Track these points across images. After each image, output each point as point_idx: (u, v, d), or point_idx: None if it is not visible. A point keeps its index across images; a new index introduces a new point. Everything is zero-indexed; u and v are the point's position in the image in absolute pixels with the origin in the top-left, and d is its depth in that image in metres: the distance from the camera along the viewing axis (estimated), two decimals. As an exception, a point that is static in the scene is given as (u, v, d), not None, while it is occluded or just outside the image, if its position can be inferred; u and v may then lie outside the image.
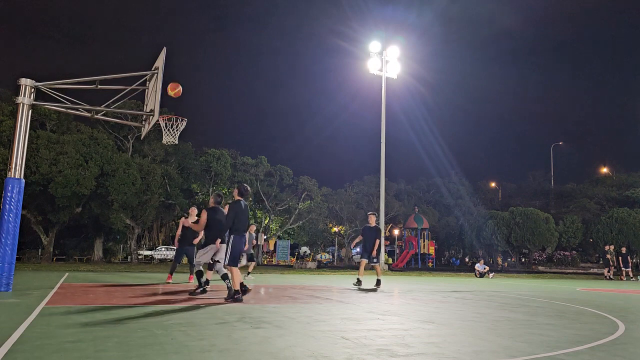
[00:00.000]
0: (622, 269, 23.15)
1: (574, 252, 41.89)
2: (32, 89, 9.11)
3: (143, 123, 10.44)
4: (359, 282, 12.15)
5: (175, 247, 12.23)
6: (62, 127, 31.79)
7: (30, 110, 9.17)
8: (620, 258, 23.40)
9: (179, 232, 11.56)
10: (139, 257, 37.91)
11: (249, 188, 8.09)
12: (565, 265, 39.83)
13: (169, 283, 11.22)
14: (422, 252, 41.69)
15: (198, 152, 38.60)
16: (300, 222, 41.96)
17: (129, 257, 37.34)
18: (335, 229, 47.06)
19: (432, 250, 43.78)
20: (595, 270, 34.23)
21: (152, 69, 10.02)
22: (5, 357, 3.40)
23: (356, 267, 13.50)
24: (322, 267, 31.67)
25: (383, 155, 29.63)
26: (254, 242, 15.49)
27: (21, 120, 8.92)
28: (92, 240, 35.36)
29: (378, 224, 12.68)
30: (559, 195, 49.17)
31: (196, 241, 11.11)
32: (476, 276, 21.52)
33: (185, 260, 13.32)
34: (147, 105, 10.22)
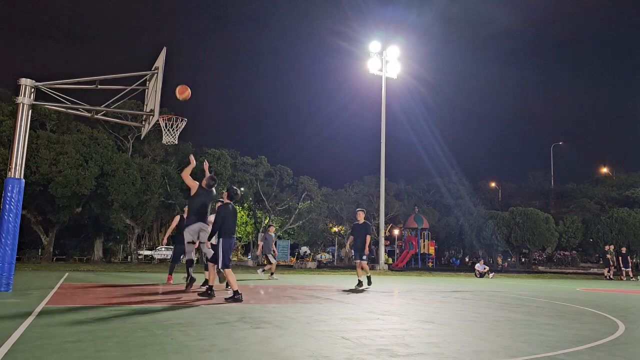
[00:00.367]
0: (622, 269, 23.15)
1: (574, 252, 41.88)
2: (32, 89, 9.10)
3: (143, 123, 10.44)
4: (360, 283, 11.96)
5: (173, 247, 12.26)
6: (62, 127, 31.79)
7: (30, 110, 9.17)
8: (620, 258, 23.40)
9: (171, 229, 11.66)
10: (139, 257, 37.90)
11: (238, 191, 8.15)
12: (565, 265, 39.82)
13: (170, 284, 11.22)
14: (422, 252, 41.69)
15: (198, 152, 38.58)
16: (300, 222, 41.95)
17: (129, 257, 37.34)
18: (335, 229, 47.07)
19: (432, 250, 43.78)
20: (595, 270, 34.23)
21: (152, 69, 10.02)
22: (5, 357, 3.40)
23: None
24: (322, 267, 31.67)
25: (383, 155, 29.63)
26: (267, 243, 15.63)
27: (21, 120, 8.92)
28: (92, 240, 35.37)
29: (367, 220, 12.32)
30: (559, 195, 49.16)
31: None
32: (476, 276, 21.52)
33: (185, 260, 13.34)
34: (147, 105, 10.22)
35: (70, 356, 3.50)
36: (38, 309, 6.00)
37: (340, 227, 45.46)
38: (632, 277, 22.99)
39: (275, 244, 15.82)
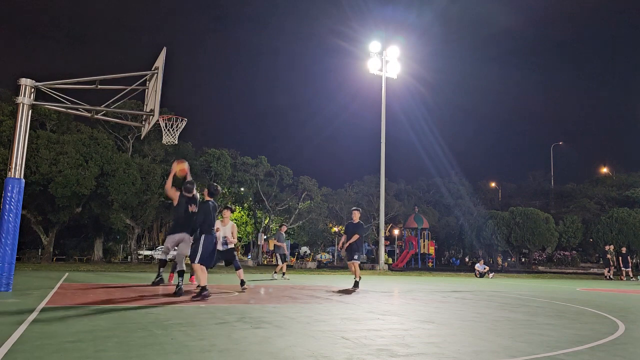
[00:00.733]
0: (622, 269, 23.15)
1: (574, 252, 41.87)
2: (32, 89, 9.10)
3: (143, 123, 10.45)
4: (356, 284, 11.55)
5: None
6: (62, 127, 31.77)
7: (30, 110, 9.17)
8: (620, 258, 23.40)
9: None
10: (139, 257, 37.90)
11: (219, 188, 8.21)
12: (565, 265, 39.81)
13: (171, 283, 11.22)
14: (422, 252, 41.70)
15: (198, 152, 38.59)
16: (300, 222, 41.96)
17: (129, 257, 37.33)
18: (335, 229, 47.05)
19: (432, 250, 43.79)
20: (595, 270, 34.22)
21: (152, 69, 10.02)
22: (5, 357, 3.40)
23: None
24: (322, 267, 31.68)
25: (383, 155, 29.64)
26: (283, 244, 15.65)
27: (21, 120, 8.92)
28: (92, 240, 35.35)
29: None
30: (559, 195, 49.15)
31: None
32: (476, 276, 21.52)
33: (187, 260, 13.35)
34: (147, 105, 10.23)
35: (70, 356, 3.50)
36: (38, 309, 6.00)
37: (340, 227, 45.44)
38: (632, 277, 22.99)
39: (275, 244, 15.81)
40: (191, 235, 8.21)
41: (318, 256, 43.88)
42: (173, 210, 8.69)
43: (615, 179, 49.73)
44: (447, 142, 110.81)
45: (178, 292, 8.17)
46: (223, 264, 10.19)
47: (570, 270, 35.82)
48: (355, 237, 11.25)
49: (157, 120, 9.76)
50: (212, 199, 8.03)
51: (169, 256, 9.51)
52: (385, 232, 34.23)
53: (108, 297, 7.65)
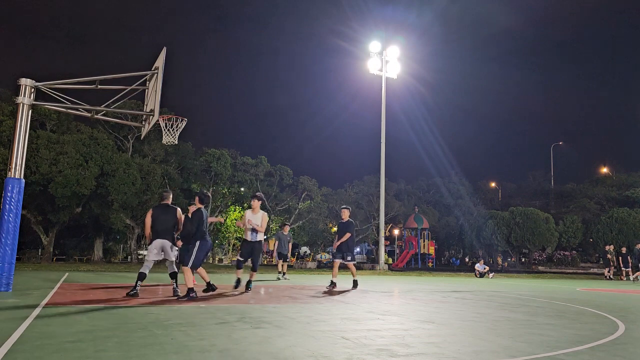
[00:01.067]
0: (622, 269, 23.14)
1: (574, 252, 41.86)
2: (32, 89, 9.10)
3: (143, 123, 10.45)
4: (355, 283, 11.50)
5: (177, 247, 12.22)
6: (62, 127, 31.77)
7: (30, 110, 9.17)
8: (620, 258, 23.40)
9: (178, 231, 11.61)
10: (139, 257, 37.90)
11: (209, 195, 8.32)
12: (565, 265, 39.80)
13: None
14: (422, 252, 41.68)
15: (198, 152, 38.59)
16: (300, 222, 41.95)
17: (129, 257, 37.35)
18: (335, 229, 47.04)
19: (432, 250, 43.77)
20: (595, 270, 34.21)
21: (152, 69, 10.02)
22: (5, 357, 3.40)
23: (357, 268, 13.24)
24: (322, 267, 31.67)
25: (383, 155, 29.63)
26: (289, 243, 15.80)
27: (21, 120, 8.92)
28: (92, 240, 35.36)
29: (352, 218, 11.73)
30: (559, 195, 49.13)
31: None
32: (476, 276, 21.52)
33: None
34: (147, 105, 10.23)
35: (70, 356, 3.50)
36: (38, 309, 6.00)
37: (340, 227, 45.43)
38: (632, 277, 22.98)
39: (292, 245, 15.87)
40: (185, 241, 8.24)
41: (318, 256, 43.87)
42: (187, 222, 8.59)
43: (615, 179, 49.71)
44: (447, 142, 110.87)
45: (175, 293, 8.25)
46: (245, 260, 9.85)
47: (570, 270, 35.81)
48: (347, 235, 11.07)
49: (157, 120, 9.76)
50: (202, 206, 8.18)
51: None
52: (385, 232, 34.25)
53: (108, 297, 7.66)
